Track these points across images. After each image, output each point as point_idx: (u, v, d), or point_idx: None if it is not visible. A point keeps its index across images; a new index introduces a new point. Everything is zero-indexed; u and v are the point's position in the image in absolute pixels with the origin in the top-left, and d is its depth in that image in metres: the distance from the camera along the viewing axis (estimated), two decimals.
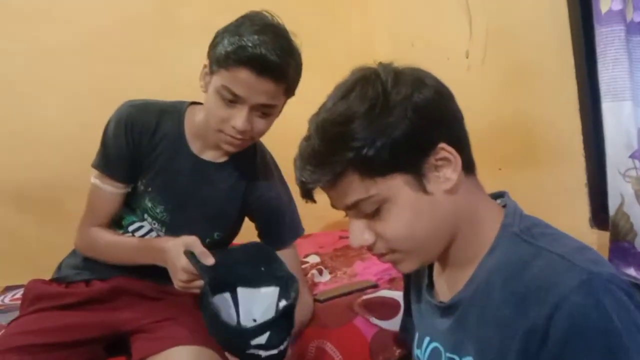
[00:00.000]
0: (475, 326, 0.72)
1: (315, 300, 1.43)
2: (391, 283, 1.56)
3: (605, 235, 1.33)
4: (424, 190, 0.71)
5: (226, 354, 1.06)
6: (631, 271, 1.24)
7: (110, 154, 1.26)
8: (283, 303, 1.05)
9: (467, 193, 0.74)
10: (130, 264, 1.27)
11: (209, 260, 1.06)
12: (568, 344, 0.60)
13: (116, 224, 1.33)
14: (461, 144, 0.73)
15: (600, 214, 1.43)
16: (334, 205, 0.76)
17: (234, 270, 1.12)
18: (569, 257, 0.64)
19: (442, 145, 0.70)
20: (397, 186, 0.70)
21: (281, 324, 1.00)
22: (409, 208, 0.71)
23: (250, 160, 1.34)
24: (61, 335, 1.19)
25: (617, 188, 1.25)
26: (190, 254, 1.06)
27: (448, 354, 0.77)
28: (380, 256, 0.77)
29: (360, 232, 0.74)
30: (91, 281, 1.33)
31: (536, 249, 0.68)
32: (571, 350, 0.59)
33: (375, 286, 1.54)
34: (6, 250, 1.41)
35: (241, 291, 1.12)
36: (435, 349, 0.81)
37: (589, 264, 0.63)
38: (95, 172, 1.29)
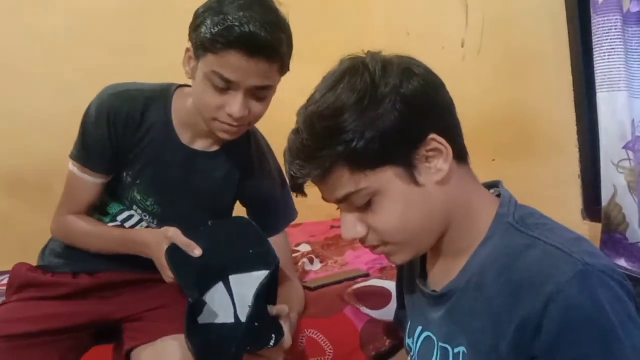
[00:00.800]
0: (468, 316, 0.71)
1: (306, 288, 1.42)
2: (382, 272, 1.56)
3: (597, 228, 1.33)
4: (415, 182, 0.70)
5: None
6: (622, 262, 1.24)
7: (91, 145, 1.18)
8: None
9: (460, 183, 0.74)
10: (111, 253, 1.23)
11: (196, 252, 1.04)
12: (562, 335, 0.59)
13: (100, 211, 1.28)
14: (452, 134, 0.72)
15: (592, 206, 1.42)
16: (325, 198, 0.75)
17: (223, 255, 1.10)
18: (564, 248, 0.64)
19: (433, 136, 0.69)
20: (387, 179, 0.69)
21: (254, 326, 0.98)
22: (400, 200, 0.70)
23: (245, 147, 1.29)
24: (47, 323, 1.17)
25: (610, 179, 1.24)
26: (172, 253, 1.03)
27: (441, 344, 0.76)
28: (373, 248, 0.76)
29: (352, 225, 0.74)
30: (78, 274, 1.29)
31: (531, 239, 0.68)
32: (565, 341, 0.59)
33: (366, 275, 1.54)
34: None
35: (233, 279, 1.11)
36: (428, 337, 0.80)
37: (584, 255, 0.63)
38: (72, 158, 1.22)
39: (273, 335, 0.99)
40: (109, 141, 1.17)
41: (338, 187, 0.71)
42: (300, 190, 0.74)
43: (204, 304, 1.07)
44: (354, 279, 1.50)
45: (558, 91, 1.52)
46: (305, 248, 1.93)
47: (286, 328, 1.00)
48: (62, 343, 1.18)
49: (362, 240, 0.76)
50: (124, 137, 1.18)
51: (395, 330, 1.28)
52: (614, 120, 1.24)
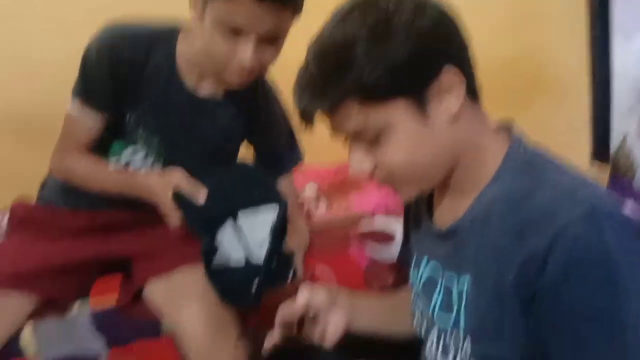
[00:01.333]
0: (473, 252, 0.72)
1: (311, 229, 1.43)
2: (387, 214, 1.57)
3: (604, 174, 1.33)
4: (426, 117, 0.69)
5: None
6: (628, 206, 1.24)
7: (91, 82, 1.14)
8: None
9: (471, 121, 0.72)
10: (112, 194, 1.21)
11: (200, 197, 1.04)
12: (567, 274, 0.60)
13: (101, 149, 1.23)
14: (466, 71, 0.71)
15: (601, 152, 1.42)
16: (333, 133, 0.74)
17: (229, 200, 1.11)
18: (573, 189, 0.64)
19: (447, 69, 0.68)
20: (398, 112, 0.68)
21: (272, 266, 1.02)
22: (409, 135, 0.69)
23: (251, 92, 1.23)
24: (49, 261, 1.16)
25: (621, 125, 1.23)
26: (178, 198, 1.03)
27: (445, 276, 0.78)
28: (380, 183, 0.76)
29: (359, 160, 0.73)
30: (79, 211, 1.27)
31: (540, 180, 0.67)
32: (570, 280, 0.60)
33: (371, 217, 1.55)
34: (5, 180, 1.40)
35: (240, 221, 1.12)
36: (433, 269, 0.82)
37: (592, 196, 0.63)
38: (72, 97, 1.17)
39: (290, 271, 1.02)
40: (111, 80, 1.12)
41: (347, 120, 0.70)
42: (309, 123, 0.73)
43: (216, 246, 1.09)
44: (358, 220, 1.52)
45: (573, 35, 1.49)
46: (310, 191, 1.95)
47: (297, 265, 1.02)
48: (66, 281, 1.18)
49: (369, 176, 0.75)
50: (125, 81, 1.13)
51: (399, 269, 1.31)
52: (628, 66, 1.21)
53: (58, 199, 1.29)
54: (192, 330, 1.09)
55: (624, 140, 1.23)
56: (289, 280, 1.02)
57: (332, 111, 0.70)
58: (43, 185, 1.34)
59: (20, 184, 1.34)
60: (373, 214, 1.55)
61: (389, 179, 0.75)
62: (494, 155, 0.73)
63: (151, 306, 1.18)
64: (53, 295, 1.16)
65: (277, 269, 1.01)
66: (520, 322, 0.65)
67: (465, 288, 0.73)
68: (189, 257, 1.16)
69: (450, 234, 0.77)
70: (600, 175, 1.40)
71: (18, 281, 1.12)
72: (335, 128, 0.73)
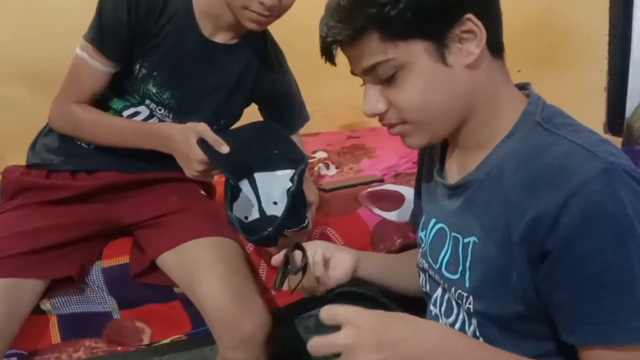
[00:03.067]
0: (483, 207, 0.72)
1: (320, 190, 1.44)
2: (396, 178, 1.57)
3: (617, 142, 1.31)
4: (444, 61, 0.69)
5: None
6: None
7: (107, 28, 1.11)
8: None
9: (490, 74, 0.72)
10: (121, 146, 1.19)
11: (224, 148, 1.04)
12: (580, 229, 0.60)
13: (101, 107, 1.21)
14: (490, 20, 0.70)
15: (616, 119, 1.40)
16: (352, 71, 0.75)
17: (248, 155, 1.12)
18: (589, 147, 0.63)
19: (469, 16, 0.67)
20: (416, 52, 0.68)
21: (296, 205, 1.03)
22: (426, 77, 0.69)
23: (262, 42, 1.27)
24: (50, 238, 1.12)
25: (638, 89, 1.21)
26: (202, 143, 1.03)
27: (453, 234, 0.78)
28: (390, 127, 0.76)
29: (374, 99, 0.74)
30: (76, 173, 1.24)
31: (555, 137, 0.67)
32: (582, 235, 0.60)
33: (380, 180, 1.55)
34: (21, 130, 1.41)
35: (258, 176, 1.14)
36: (440, 229, 0.82)
37: (608, 155, 0.62)
38: (84, 43, 1.14)
39: (307, 215, 1.04)
40: (128, 26, 1.11)
41: (366, 54, 0.70)
42: (329, 55, 0.73)
43: (239, 190, 1.10)
44: (368, 183, 1.52)
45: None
46: (321, 155, 1.95)
47: (310, 216, 1.03)
48: (74, 257, 1.16)
49: (381, 118, 0.75)
50: (144, 25, 1.13)
51: (406, 231, 1.31)
52: None
53: (53, 160, 1.25)
54: (213, 300, 1.08)
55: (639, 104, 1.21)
56: (306, 223, 1.03)
57: (352, 41, 0.70)
58: (33, 146, 1.29)
59: (31, 132, 1.34)
60: (383, 181, 1.55)
61: (401, 123, 0.74)
62: (510, 111, 0.73)
63: (164, 274, 1.17)
64: (63, 274, 1.13)
65: (300, 210, 1.03)
66: (528, 276, 0.65)
67: (470, 249, 0.73)
68: (198, 229, 1.16)
69: (461, 188, 0.77)
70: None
71: (26, 270, 1.08)
72: (354, 64, 0.73)
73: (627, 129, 1.24)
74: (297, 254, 0.86)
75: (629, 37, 1.27)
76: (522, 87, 0.79)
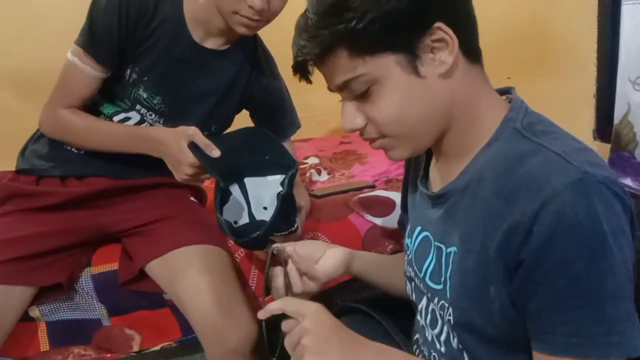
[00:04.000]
0: (463, 217, 0.71)
1: (312, 196, 1.45)
2: (388, 184, 1.58)
3: (606, 148, 1.32)
4: (417, 73, 0.67)
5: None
6: (628, 182, 1.24)
7: (98, 33, 1.12)
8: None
9: (467, 81, 0.71)
10: (111, 151, 1.19)
11: (215, 152, 1.03)
12: (552, 240, 0.59)
13: (92, 112, 1.21)
14: (461, 27, 0.69)
15: (604, 125, 1.41)
16: (329, 87, 0.74)
17: (238, 160, 1.12)
18: (566, 156, 0.62)
19: (439, 24, 0.66)
20: (387, 66, 0.67)
21: (285, 209, 1.03)
22: (399, 90, 0.68)
23: (252, 48, 1.27)
24: (39, 244, 1.12)
25: (625, 96, 1.22)
26: (193, 147, 1.03)
27: (436, 243, 0.77)
28: (372, 141, 0.75)
29: (351, 115, 0.73)
30: (66, 179, 1.24)
31: (535, 145, 0.65)
32: (554, 247, 0.59)
33: (371, 187, 1.56)
34: (9, 136, 1.40)
35: (249, 181, 1.14)
36: (425, 237, 0.81)
37: (585, 164, 0.61)
38: (75, 48, 1.14)
39: (296, 219, 1.04)
40: (118, 31, 1.12)
41: (337, 71, 0.70)
42: (304, 73, 0.73)
43: (229, 193, 1.10)
44: (359, 189, 1.53)
45: (582, 6, 1.47)
46: (313, 160, 1.95)
47: (299, 221, 1.04)
48: (63, 264, 1.15)
49: (361, 132, 0.75)
50: (134, 31, 1.13)
51: (397, 237, 1.32)
52: (636, 35, 1.20)
53: (42, 166, 1.24)
54: (199, 310, 1.07)
55: (628, 110, 1.22)
56: (294, 227, 1.03)
57: (322, 59, 0.69)
58: (23, 151, 1.29)
59: (20, 138, 1.33)
60: (374, 187, 1.56)
61: (381, 137, 0.74)
62: (491, 118, 0.72)
63: (154, 282, 1.17)
64: (52, 280, 1.13)
65: (289, 214, 1.03)
66: (505, 293, 0.64)
67: (451, 259, 0.73)
68: (185, 237, 1.16)
69: (442, 197, 0.77)
70: (600, 151, 1.40)
71: (15, 277, 1.08)
72: (328, 79, 0.73)
73: (615, 136, 1.25)
74: (280, 253, 0.88)
75: (616, 44, 1.28)
76: (506, 91, 0.78)
